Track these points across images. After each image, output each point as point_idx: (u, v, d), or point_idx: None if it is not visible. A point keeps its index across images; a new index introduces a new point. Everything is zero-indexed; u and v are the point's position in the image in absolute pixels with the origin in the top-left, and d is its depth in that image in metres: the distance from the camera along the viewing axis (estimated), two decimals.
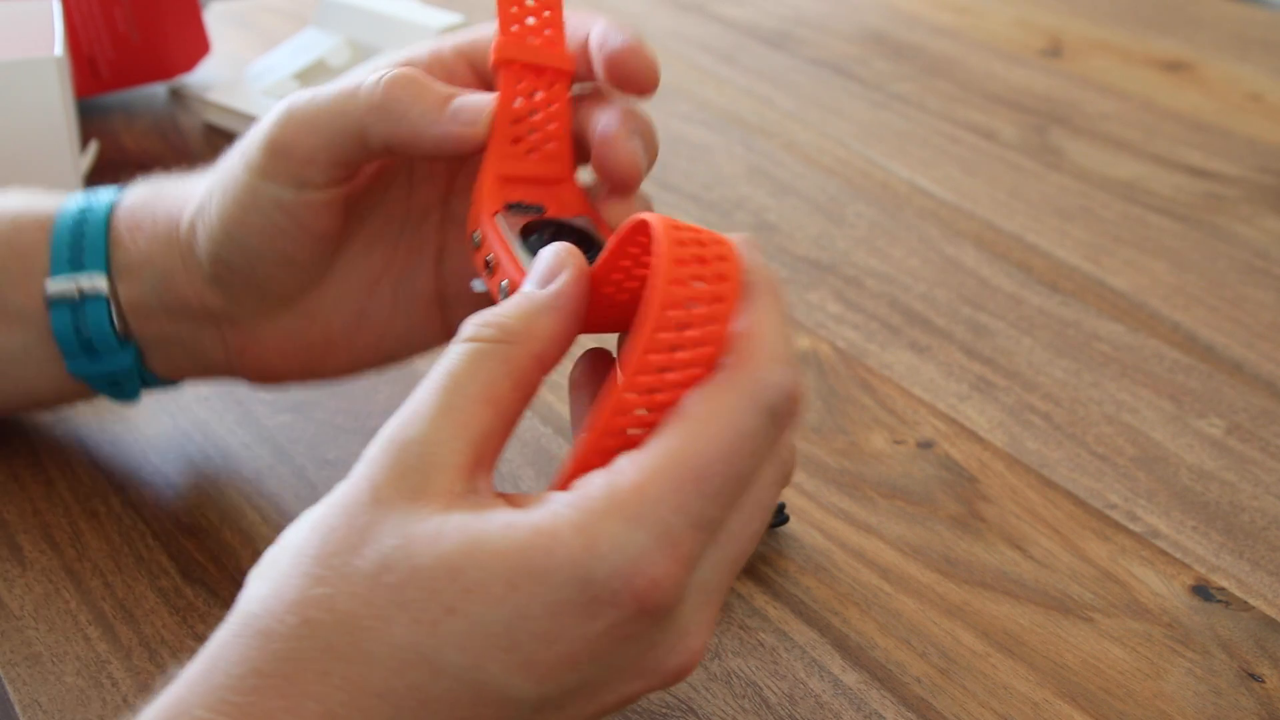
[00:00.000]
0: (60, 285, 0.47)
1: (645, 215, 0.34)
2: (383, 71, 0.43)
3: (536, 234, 0.42)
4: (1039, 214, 0.75)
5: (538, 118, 0.43)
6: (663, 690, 0.42)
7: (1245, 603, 0.48)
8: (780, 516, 0.50)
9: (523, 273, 0.39)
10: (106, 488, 0.51)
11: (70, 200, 0.49)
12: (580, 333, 0.37)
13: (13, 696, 0.42)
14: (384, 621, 0.31)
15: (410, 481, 0.32)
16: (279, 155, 0.43)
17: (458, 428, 0.33)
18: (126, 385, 0.50)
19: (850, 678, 0.44)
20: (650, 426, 0.33)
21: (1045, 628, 0.46)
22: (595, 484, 0.32)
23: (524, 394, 0.35)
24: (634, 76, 0.42)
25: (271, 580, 0.32)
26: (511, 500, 0.33)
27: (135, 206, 0.48)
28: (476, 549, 0.31)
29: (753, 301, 0.34)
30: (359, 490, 0.32)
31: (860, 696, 0.43)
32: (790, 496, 0.52)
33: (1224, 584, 0.49)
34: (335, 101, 0.43)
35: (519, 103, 0.43)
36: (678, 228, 0.34)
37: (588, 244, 0.42)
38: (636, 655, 0.33)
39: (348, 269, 0.48)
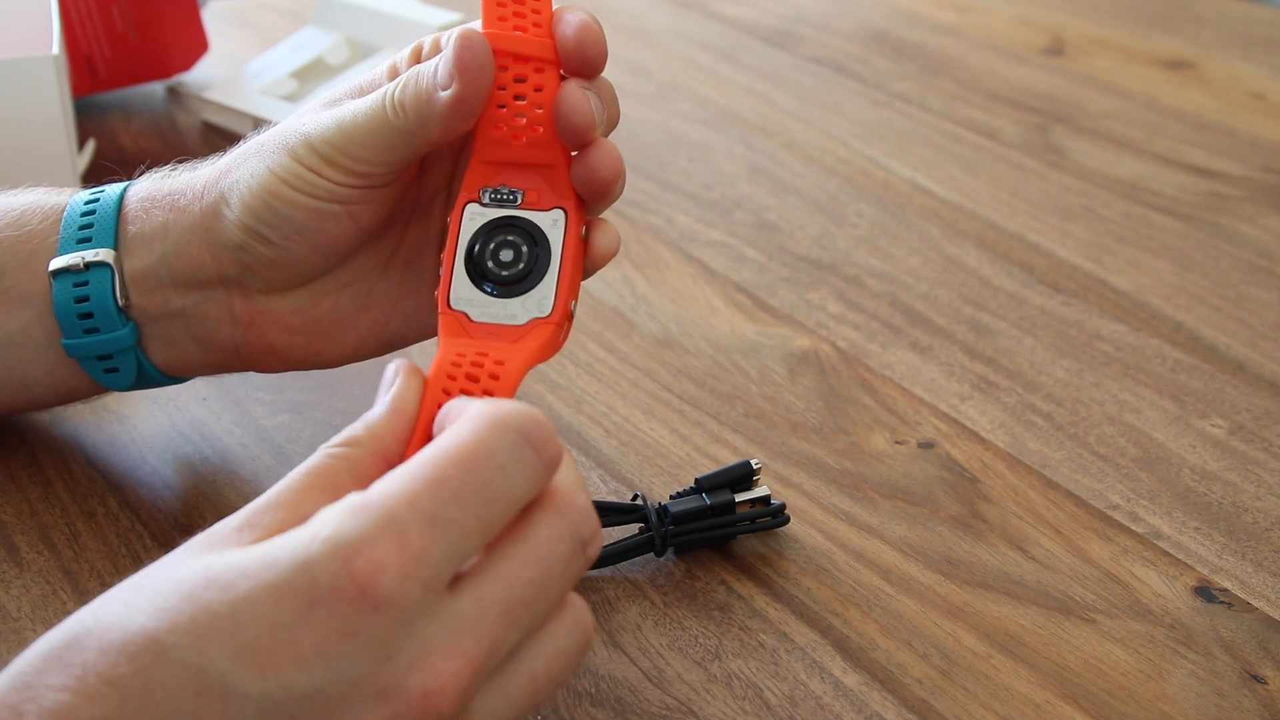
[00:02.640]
0: (66, 260, 0.48)
1: None
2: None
3: (488, 233, 0.43)
4: (1041, 213, 0.75)
5: (524, 103, 0.43)
6: None
7: (1248, 604, 0.48)
8: (781, 517, 0.50)
9: (451, 265, 0.43)
10: (104, 488, 0.51)
11: (82, 192, 0.50)
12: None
13: None
14: (130, 615, 0.32)
15: (219, 535, 0.35)
16: (337, 164, 0.45)
17: (283, 504, 0.36)
18: (121, 366, 0.49)
19: (851, 679, 0.44)
20: None
21: (1047, 629, 0.46)
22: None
23: (363, 483, 0.37)
24: (587, 55, 0.44)
25: None
26: None
27: (150, 187, 0.50)
28: (230, 554, 0.33)
29: None
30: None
31: (861, 698, 0.43)
32: (791, 497, 0.52)
33: (1226, 585, 0.48)
34: (384, 119, 0.44)
35: (505, 89, 0.43)
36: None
37: (533, 240, 0.43)
38: (369, 663, 0.32)
39: (363, 252, 0.49)
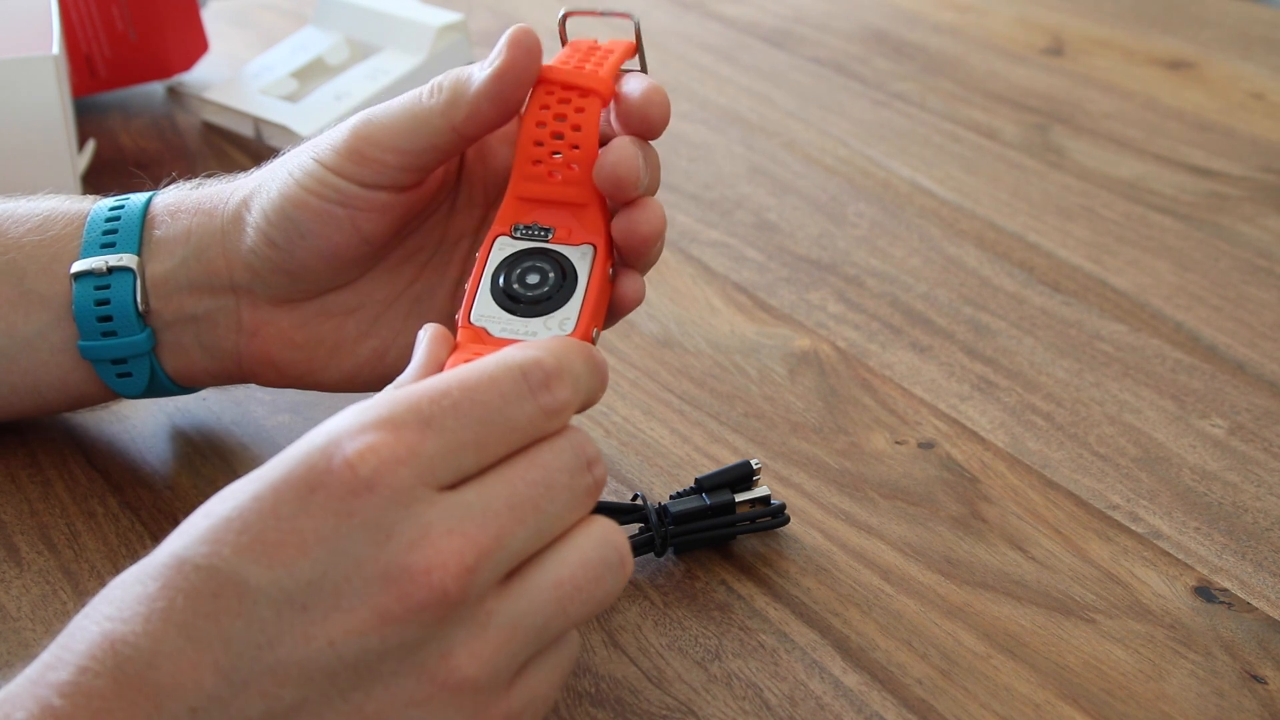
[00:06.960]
0: (89, 263, 0.49)
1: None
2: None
3: (514, 265, 0.44)
4: (1041, 213, 0.75)
5: (562, 141, 0.44)
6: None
7: (1248, 604, 0.48)
8: (781, 517, 0.50)
9: (475, 289, 0.43)
10: (104, 488, 0.51)
11: (106, 199, 0.51)
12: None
13: None
14: (161, 546, 0.34)
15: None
16: (356, 152, 0.46)
17: None
18: (135, 371, 0.50)
19: (851, 679, 0.44)
20: None
21: (1047, 629, 0.46)
22: None
23: None
24: (650, 115, 0.45)
25: None
26: None
27: (178, 195, 0.50)
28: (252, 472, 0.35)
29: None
30: None
31: (861, 698, 0.43)
32: (791, 497, 0.52)
33: (1226, 585, 0.48)
34: (417, 102, 0.45)
35: (544, 126, 0.44)
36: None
37: (560, 269, 0.43)
38: (369, 544, 0.33)
39: (376, 279, 0.49)
